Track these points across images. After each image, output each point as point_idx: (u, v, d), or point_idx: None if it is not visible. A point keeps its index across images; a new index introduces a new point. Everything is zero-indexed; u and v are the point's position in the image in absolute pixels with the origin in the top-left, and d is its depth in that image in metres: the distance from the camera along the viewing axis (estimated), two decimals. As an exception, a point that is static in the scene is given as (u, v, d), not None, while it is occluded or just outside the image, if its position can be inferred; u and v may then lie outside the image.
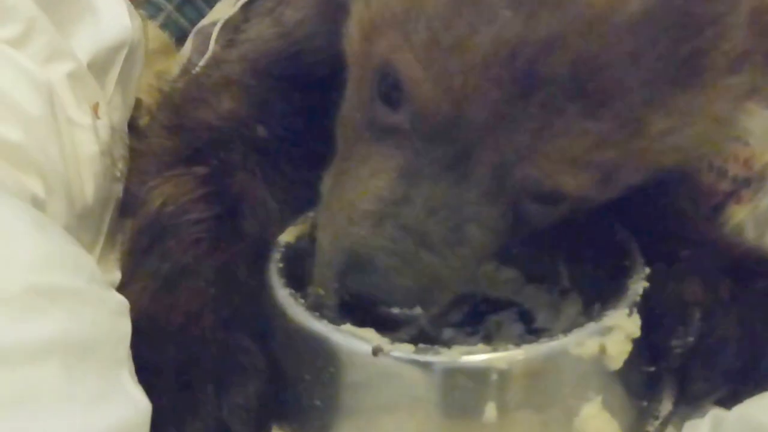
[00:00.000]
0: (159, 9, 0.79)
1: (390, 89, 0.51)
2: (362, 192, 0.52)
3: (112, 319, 0.46)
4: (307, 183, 0.61)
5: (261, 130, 0.63)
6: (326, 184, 0.57)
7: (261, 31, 0.66)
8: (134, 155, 0.64)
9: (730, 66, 0.49)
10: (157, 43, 0.77)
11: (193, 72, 0.71)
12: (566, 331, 0.59)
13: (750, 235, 0.68)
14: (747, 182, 0.70)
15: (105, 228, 0.65)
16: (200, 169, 0.62)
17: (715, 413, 0.52)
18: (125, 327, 0.48)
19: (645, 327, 0.56)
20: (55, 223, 0.52)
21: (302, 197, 0.63)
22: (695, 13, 0.47)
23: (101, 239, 0.64)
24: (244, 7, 0.74)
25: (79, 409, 0.41)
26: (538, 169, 0.49)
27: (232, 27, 0.74)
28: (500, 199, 0.51)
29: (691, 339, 0.56)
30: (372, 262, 0.50)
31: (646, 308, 0.56)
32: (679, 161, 0.54)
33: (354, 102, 0.55)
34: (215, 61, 0.69)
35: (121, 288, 0.60)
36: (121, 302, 0.48)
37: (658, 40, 0.46)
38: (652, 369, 0.58)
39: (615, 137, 0.48)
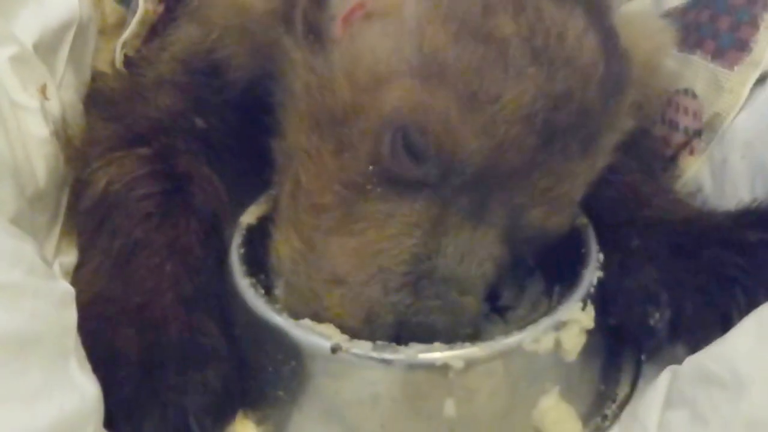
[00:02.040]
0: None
1: (414, 143, 0.51)
2: (394, 252, 0.52)
3: (55, 309, 0.46)
4: (251, 170, 0.61)
5: (200, 122, 0.62)
6: (305, 235, 0.55)
7: (189, 33, 0.65)
8: (75, 144, 0.62)
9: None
10: (115, 17, 0.74)
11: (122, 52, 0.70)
12: (530, 311, 0.61)
13: (708, 188, 0.70)
14: (698, 133, 0.72)
15: (62, 209, 0.63)
16: (143, 150, 0.61)
17: (671, 368, 0.54)
18: (70, 316, 0.47)
19: (613, 314, 0.57)
20: None
21: (248, 183, 0.62)
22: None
23: (60, 220, 0.63)
24: None
25: (19, 405, 0.40)
26: (548, 209, 0.54)
27: None
28: (508, 239, 0.55)
29: (663, 320, 0.57)
30: (429, 325, 0.51)
31: (609, 298, 0.57)
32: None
33: (351, 156, 0.53)
34: (147, 62, 0.67)
35: (77, 269, 0.59)
36: (65, 291, 0.48)
37: (611, 90, 0.55)
38: (642, 357, 0.60)
39: (593, 172, 0.56)
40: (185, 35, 0.65)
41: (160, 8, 0.70)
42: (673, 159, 0.74)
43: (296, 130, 0.56)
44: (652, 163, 0.70)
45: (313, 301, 0.53)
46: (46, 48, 0.63)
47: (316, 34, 0.56)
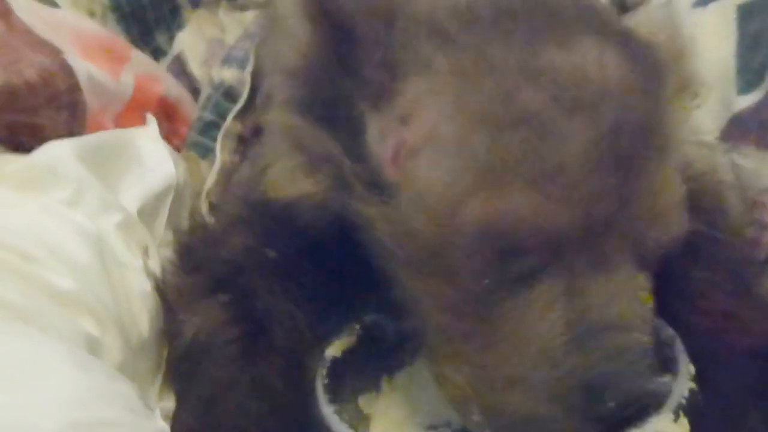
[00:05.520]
0: (207, 149, 0.87)
1: (512, 246, 0.53)
2: (546, 331, 0.53)
3: None
4: (332, 294, 0.64)
5: (272, 253, 0.66)
6: (469, 362, 0.56)
7: (250, 174, 0.72)
8: (168, 298, 0.68)
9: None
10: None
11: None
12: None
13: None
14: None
15: (164, 358, 0.69)
16: (223, 297, 0.65)
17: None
18: None
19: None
20: (96, 360, 0.57)
21: (330, 309, 0.65)
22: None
23: (161, 368, 0.68)
24: (240, 116, 0.82)
25: None
26: (660, 219, 0.54)
27: (235, 137, 0.81)
28: (644, 264, 0.55)
29: None
30: (616, 377, 0.51)
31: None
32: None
33: (464, 279, 0.54)
34: (216, 206, 0.75)
35: (175, 414, 0.64)
36: (160, 429, 0.52)
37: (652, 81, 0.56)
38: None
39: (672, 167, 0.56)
40: (246, 176, 0.72)
41: (236, 158, 0.79)
42: (767, 262, 0.70)
43: (407, 278, 0.58)
44: (744, 273, 0.66)
45: (505, 411, 0.54)
46: (147, 213, 0.73)
47: (378, 188, 0.58)
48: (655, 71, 0.56)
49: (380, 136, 0.58)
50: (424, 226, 0.54)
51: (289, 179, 0.63)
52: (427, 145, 0.55)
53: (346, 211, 0.59)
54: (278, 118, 0.64)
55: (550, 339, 0.52)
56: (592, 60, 0.54)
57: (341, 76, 0.58)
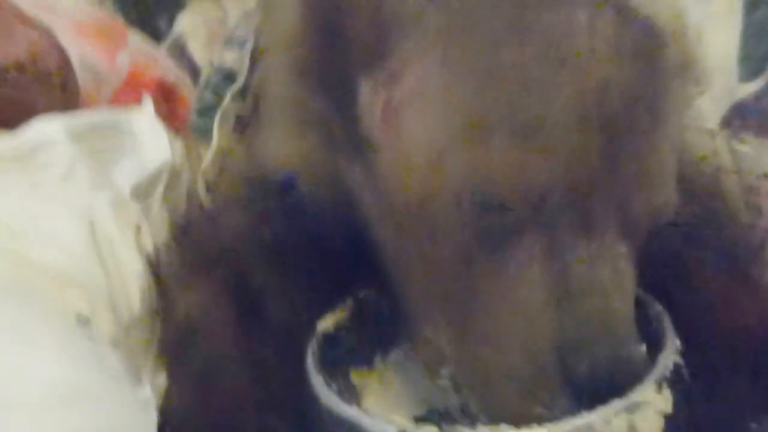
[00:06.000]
0: (206, 130, 0.85)
1: (493, 200, 0.52)
2: (525, 293, 0.52)
3: (135, 412, 0.51)
4: (328, 272, 0.64)
5: (266, 233, 0.66)
6: (451, 318, 0.56)
7: (248, 150, 0.72)
8: (161, 275, 0.68)
9: None
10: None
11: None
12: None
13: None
14: (783, 216, 0.70)
15: (156, 334, 0.69)
16: (218, 274, 0.65)
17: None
18: (150, 419, 0.52)
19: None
20: (81, 331, 0.57)
21: (326, 286, 0.65)
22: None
23: (154, 344, 0.68)
24: (238, 96, 0.82)
25: None
26: (648, 185, 0.53)
27: (233, 117, 0.81)
28: (627, 233, 0.54)
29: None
30: (590, 341, 0.50)
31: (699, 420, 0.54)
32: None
33: (448, 236, 0.54)
34: (212, 186, 0.76)
35: (167, 389, 0.63)
36: (146, 397, 0.53)
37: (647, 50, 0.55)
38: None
39: (674, 135, 0.55)
40: (240, 153, 0.73)
41: (234, 138, 0.79)
42: (762, 246, 0.70)
43: (389, 240, 0.58)
44: (739, 255, 0.66)
45: (479, 370, 0.54)
46: (141, 192, 0.72)
47: (365, 149, 0.58)
48: (651, 41, 0.55)
49: (370, 97, 0.58)
50: (406, 182, 0.54)
51: (281, 142, 0.64)
52: (412, 100, 0.55)
53: (336, 178, 0.60)
54: (273, 87, 0.65)
55: (527, 298, 0.52)
56: (583, 20, 0.53)
57: (334, 43, 0.58)
